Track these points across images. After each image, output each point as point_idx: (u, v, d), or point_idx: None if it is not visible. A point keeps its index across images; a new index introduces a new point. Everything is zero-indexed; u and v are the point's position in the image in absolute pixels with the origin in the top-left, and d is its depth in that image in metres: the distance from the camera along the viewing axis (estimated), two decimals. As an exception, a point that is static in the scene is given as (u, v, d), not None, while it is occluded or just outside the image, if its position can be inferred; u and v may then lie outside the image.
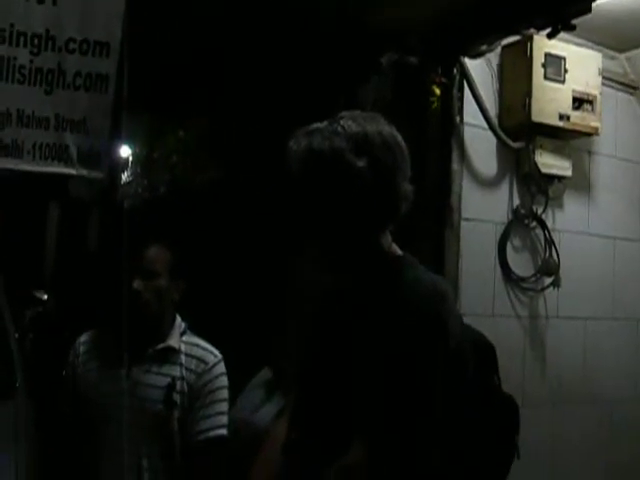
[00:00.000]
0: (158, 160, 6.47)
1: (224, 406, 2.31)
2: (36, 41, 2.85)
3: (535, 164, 3.44)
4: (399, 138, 1.61)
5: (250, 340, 3.29)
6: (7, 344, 3.67)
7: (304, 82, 3.26)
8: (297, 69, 3.24)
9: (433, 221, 3.16)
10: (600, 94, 3.54)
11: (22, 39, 2.83)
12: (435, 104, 3.18)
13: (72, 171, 2.83)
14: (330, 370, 1.64)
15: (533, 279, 3.55)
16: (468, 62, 3.29)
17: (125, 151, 6.23)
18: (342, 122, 1.58)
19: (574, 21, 2.76)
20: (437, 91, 3.18)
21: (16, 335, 3.82)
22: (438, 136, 3.22)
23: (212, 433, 2.25)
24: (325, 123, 1.60)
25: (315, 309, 1.79)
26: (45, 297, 8.95)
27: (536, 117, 3.34)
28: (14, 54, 2.85)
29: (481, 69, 3.39)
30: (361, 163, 1.54)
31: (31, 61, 2.84)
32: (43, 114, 2.85)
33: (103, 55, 2.88)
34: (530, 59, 3.34)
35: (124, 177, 6.90)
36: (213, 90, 4.14)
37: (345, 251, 1.63)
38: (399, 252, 1.67)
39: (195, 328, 2.42)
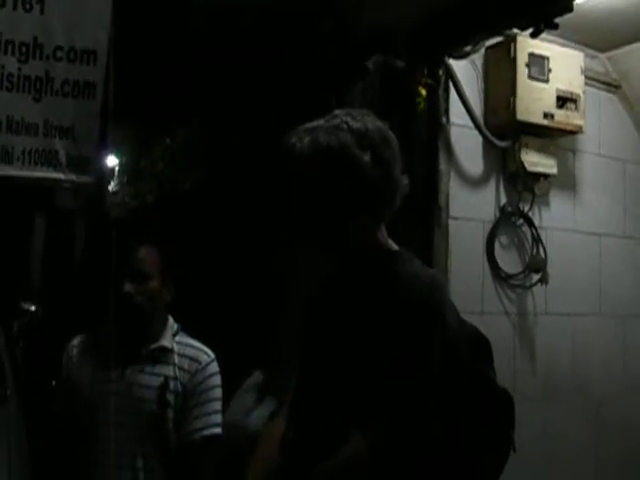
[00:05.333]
0: (144, 168, 6.47)
1: (218, 405, 2.32)
2: (24, 49, 2.86)
3: (521, 162, 3.48)
4: (392, 133, 1.65)
5: (241, 343, 3.30)
6: (-3, 354, 3.67)
7: (291, 86, 3.28)
8: (284, 73, 3.27)
9: (421, 220, 3.18)
10: (583, 93, 3.58)
11: (10, 47, 2.85)
12: (421, 105, 3.21)
13: (61, 176, 2.84)
14: (326, 367, 1.65)
15: (521, 276, 3.59)
16: (453, 63, 3.32)
17: (111, 160, 6.23)
18: (342, 118, 1.61)
19: (556, 20, 2.80)
20: (423, 92, 3.22)
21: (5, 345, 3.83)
22: (425, 136, 3.25)
23: (206, 432, 2.27)
24: (322, 120, 1.62)
25: (310, 305, 1.81)
26: (33, 308, 8.90)
27: (521, 116, 3.38)
28: (2, 62, 2.86)
29: (466, 70, 3.42)
30: (366, 157, 1.57)
31: (19, 69, 2.86)
32: (32, 120, 2.86)
33: (90, 63, 2.90)
34: (514, 59, 3.38)
35: (111, 186, 6.89)
36: (198, 96, 4.16)
37: (343, 246, 1.65)
38: (395, 247, 1.69)
39: (187, 330, 2.43)
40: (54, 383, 2.96)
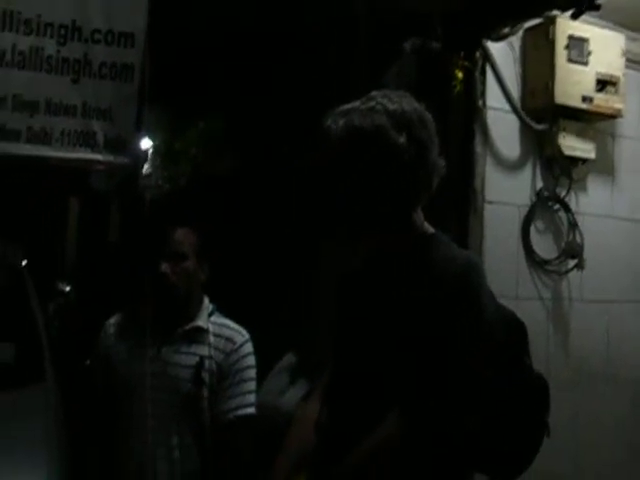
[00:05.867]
0: (178, 151, 6.52)
1: (252, 385, 2.34)
2: (62, 31, 2.90)
3: (558, 146, 3.44)
4: (429, 115, 1.64)
5: (275, 324, 3.33)
6: (36, 332, 3.75)
7: (327, 69, 3.28)
8: (320, 56, 3.26)
9: (456, 204, 3.16)
10: (623, 76, 3.52)
11: (49, 30, 2.89)
12: (458, 88, 3.18)
13: (99, 157, 2.89)
14: (362, 349, 1.65)
15: (557, 262, 3.55)
16: (490, 45, 3.29)
17: (145, 142, 6.29)
18: (378, 100, 1.60)
19: (598, 1, 2.75)
20: (460, 75, 3.19)
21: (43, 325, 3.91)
22: (461, 120, 3.22)
23: (240, 411, 2.28)
24: (359, 102, 1.62)
25: (345, 288, 1.81)
26: (67, 288, 9.07)
27: (559, 99, 3.33)
28: (41, 44, 2.90)
29: (504, 52, 3.38)
30: (401, 139, 1.57)
31: (58, 51, 2.90)
32: (70, 102, 2.90)
33: (128, 45, 2.93)
34: (553, 41, 3.32)
35: (145, 168, 6.95)
36: (233, 80, 4.17)
37: (379, 229, 1.65)
38: (431, 230, 1.69)
39: (222, 311, 2.45)
40: (88, 362, 3.02)
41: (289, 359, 2.89)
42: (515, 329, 1.75)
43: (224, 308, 2.43)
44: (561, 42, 3.33)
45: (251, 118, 4.36)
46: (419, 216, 1.68)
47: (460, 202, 3.19)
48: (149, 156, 6.95)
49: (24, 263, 4.13)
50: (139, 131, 3.04)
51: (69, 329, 6.54)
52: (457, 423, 1.52)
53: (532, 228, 3.48)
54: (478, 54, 3.26)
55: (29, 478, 2.75)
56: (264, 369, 2.59)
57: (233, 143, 5.06)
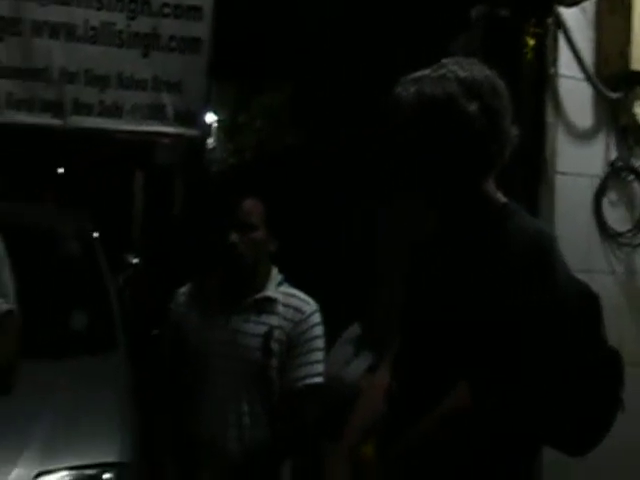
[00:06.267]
0: (242, 125, 6.56)
1: (320, 355, 2.35)
2: (132, 6, 2.96)
3: (633, 115, 3.32)
4: (502, 83, 1.61)
5: (341, 295, 3.34)
6: (108, 301, 3.86)
7: (394, 38, 3.24)
8: (387, 25, 3.22)
9: (527, 175, 3.10)
10: (703, 40, 3.37)
11: (119, 5, 2.95)
12: (529, 55, 3.10)
13: (170, 129, 2.96)
14: (432, 319, 1.65)
15: (630, 234, 3.45)
16: (563, 11, 3.18)
17: (210, 116, 6.36)
18: (449, 68, 1.58)
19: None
20: (531, 42, 3.11)
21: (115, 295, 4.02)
22: (532, 88, 3.14)
23: (309, 381, 2.30)
24: (429, 70, 1.60)
25: (415, 258, 1.80)
26: (135, 260, 9.32)
27: (636, 66, 3.20)
28: (113, 19, 2.97)
29: (576, 18, 3.26)
30: (473, 107, 1.54)
31: (128, 25, 2.96)
32: (141, 76, 2.97)
33: (196, 19, 2.97)
34: (629, 5, 3.19)
35: (210, 142, 7.04)
36: (299, 52, 4.16)
37: (450, 199, 1.63)
38: (504, 199, 1.66)
39: (290, 281, 2.47)
40: (155, 332, 3.10)
41: (354, 330, 2.91)
42: (588, 301, 1.71)
43: (292, 279, 2.45)
44: (638, 6, 3.20)
45: (317, 90, 4.35)
46: (491, 186, 1.66)
47: (531, 173, 3.12)
48: (214, 130, 7.03)
49: (96, 235, 4.24)
50: (207, 104, 3.09)
51: (137, 299, 6.72)
52: (530, 400, 1.51)
53: (605, 200, 3.38)
54: (550, 20, 3.16)
55: (105, 441, 2.85)
56: (329, 340, 2.61)
57: (298, 116, 5.07)
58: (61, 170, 11.87)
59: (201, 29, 2.95)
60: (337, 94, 3.98)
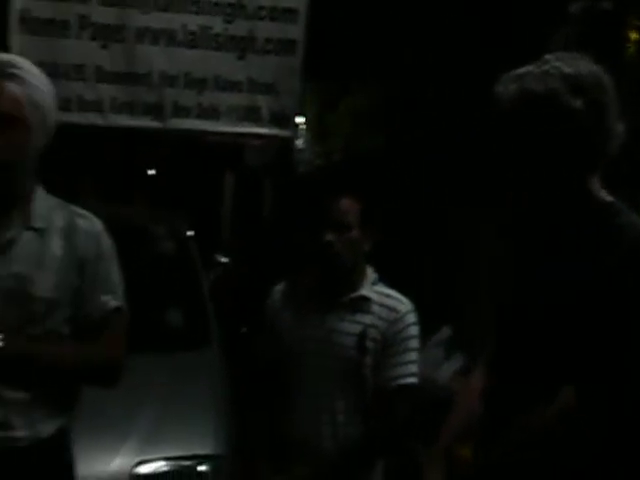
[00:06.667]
0: (330, 126, 6.60)
1: (414, 355, 2.33)
2: (229, 10, 3.03)
3: None
4: (608, 77, 1.56)
5: (432, 297, 3.32)
6: (202, 298, 3.96)
7: (490, 36, 3.19)
8: (485, 22, 3.18)
9: (630, 173, 2.99)
10: None
11: (217, 8, 3.03)
12: (631, 49, 3.00)
13: (265, 131, 3.01)
14: (532, 320, 1.61)
15: None
16: (667, 3, 3.07)
17: (298, 118, 6.43)
18: (552, 63, 1.55)
19: None
20: (634, 36, 3.00)
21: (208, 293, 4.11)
22: (635, 83, 3.03)
23: (403, 381, 2.29)
24: (532, 66, 1.57)
25: (511, 259, 1.77)
26: (225, 260, 9.49)
27: None
28: (210, 23, 3.05)
29: (682, 10, 3.14)
30: (577, 104, 1.51)
31: (225, 29, 3.03)
32: (236, 78, 3.03)
33: (292, 21, 3.01)
34: None
35: (299, 143, 7.11)
36: (388, 54, 4.15)
37: (554, 197, 1.60)
38: (609, 198, 1.62)
39: (384, 281, 2.46)
40: (244, 330, 3.14)
41: (444, 333, 2.89)
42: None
43: (386, 278, 2.45)
44: None
45: (409, 91, 4.33)
46: (595, 184, 1.61)
47: (634, 170, 3.01)
48: (301, 131, 7.10)
49: (189, 233, 4.35)
50: (301, 106, 3.13)
51: (227, 298, 6.84)
52: (633, 401, 1.46)
53: None
54: (654, 13, 3.05)
55: (201, 434, 2.93)
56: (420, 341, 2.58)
57: (387, 118, 5.06)
58: (152, 172, 12.24)
59: (296, 31, 2.99)
60: (433, 95, 3.94)
